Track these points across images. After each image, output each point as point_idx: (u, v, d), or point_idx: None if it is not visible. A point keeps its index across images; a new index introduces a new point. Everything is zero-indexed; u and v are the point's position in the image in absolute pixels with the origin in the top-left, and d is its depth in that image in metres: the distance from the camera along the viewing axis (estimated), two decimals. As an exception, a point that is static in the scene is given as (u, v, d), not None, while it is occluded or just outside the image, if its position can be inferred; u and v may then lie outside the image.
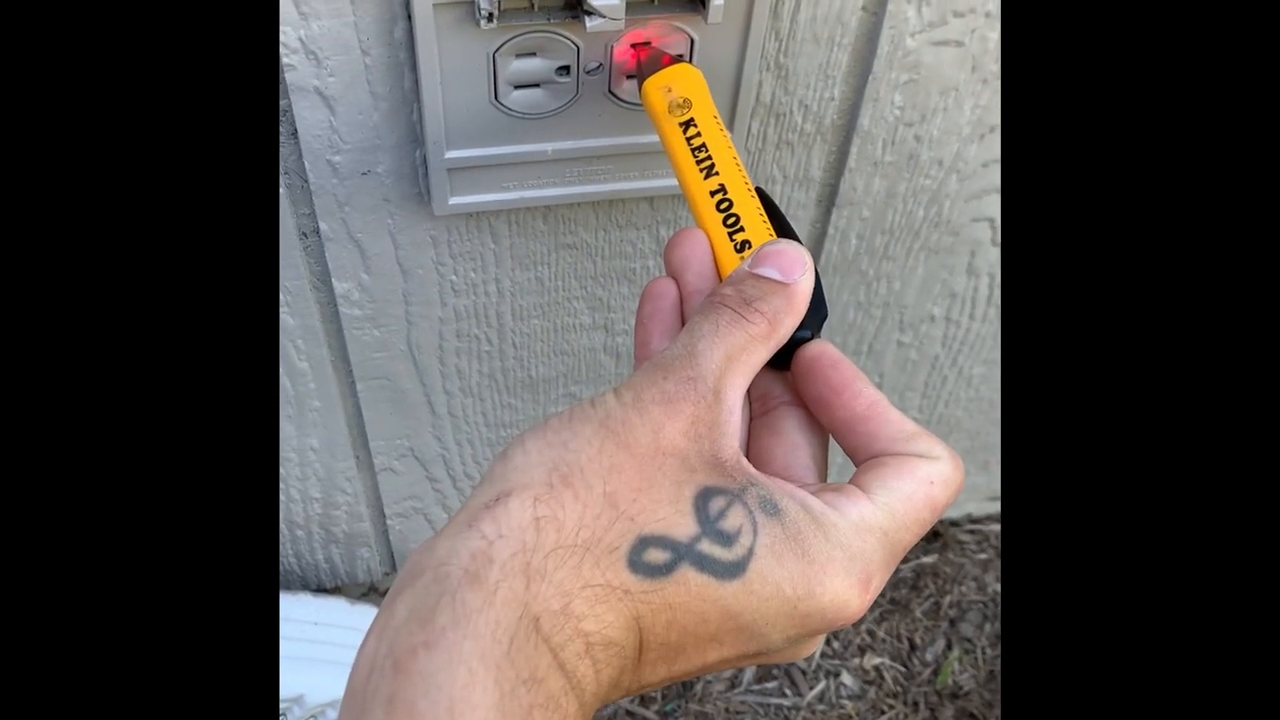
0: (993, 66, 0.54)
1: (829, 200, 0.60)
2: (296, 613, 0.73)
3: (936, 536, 0.97)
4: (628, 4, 0.43)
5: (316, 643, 0.72)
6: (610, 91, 0.48)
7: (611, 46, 0.46)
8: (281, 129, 0.49)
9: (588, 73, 0.47)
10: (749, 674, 0.89)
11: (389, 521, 0.78)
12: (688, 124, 0.41)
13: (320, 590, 0.82)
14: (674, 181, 0.54)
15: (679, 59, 0.44)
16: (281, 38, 0.45)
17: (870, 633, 0.92)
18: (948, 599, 0.94)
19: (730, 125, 0.52)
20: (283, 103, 0.48)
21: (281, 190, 0.52)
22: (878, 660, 0.91)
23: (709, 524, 0.31)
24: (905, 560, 0.95)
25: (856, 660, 0.91)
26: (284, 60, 0.46)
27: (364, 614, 0.75)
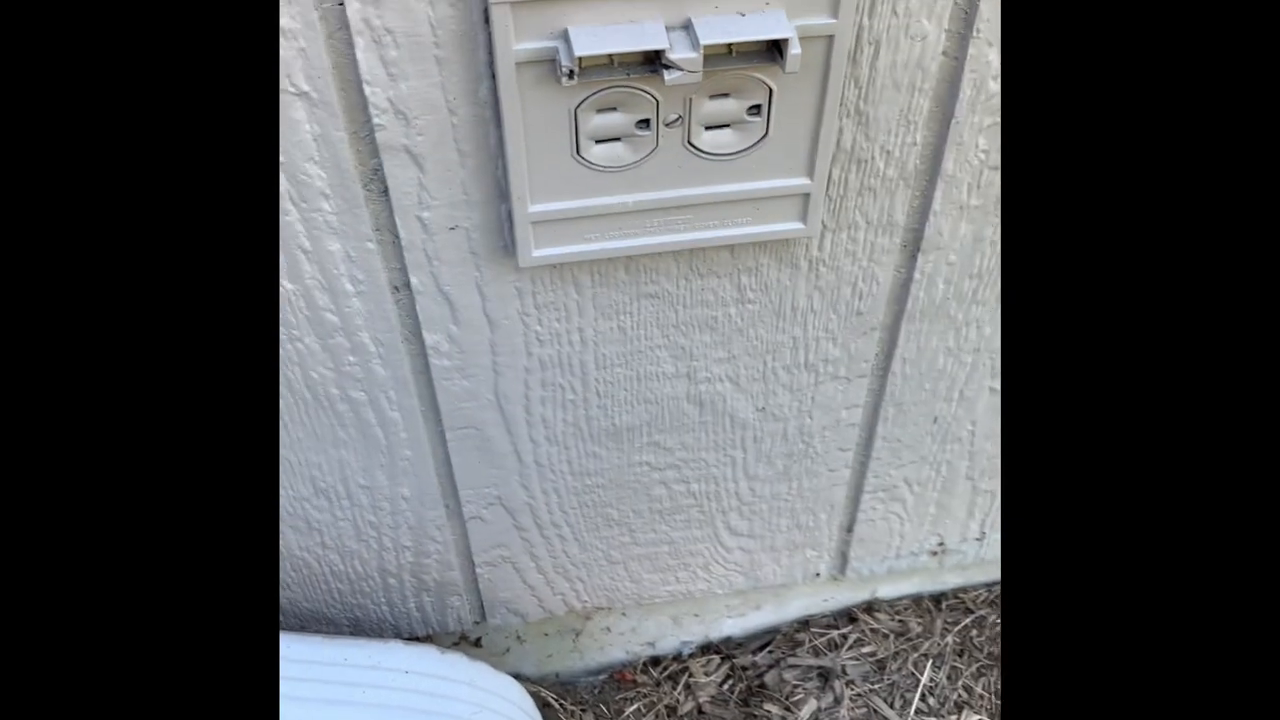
0: (1079, 107, 0.53)
1: (914, 245, 0.59)
2: (388, 661, 0.74)
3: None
4: (705, 56, 0.44)
5: (407, 690, 0.73)
6: (689, 143, 0.49)
7: (690, 99, 0.47)
8: (373, 187, 0.51)
9: (667, 125, 0.48)
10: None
11: (478, 570, 0.79)
12: None
13: (412, 638, 0.83)
14: (754, 229, 0.54)
15: None
16: (371, 98, 0.47)
17: (967, 689, 0.89)
18: (1049, 655, 0.91)
19: (810, 173, 0.52)
20: (373, 161, 0.50)
21: (373, 246, 0.54)
22: (976, 717, 0.88)
23: None
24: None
25: (954, 717, 0.88)
26: (374, 120, 0.48)
27: (453, 663, 0.75)
